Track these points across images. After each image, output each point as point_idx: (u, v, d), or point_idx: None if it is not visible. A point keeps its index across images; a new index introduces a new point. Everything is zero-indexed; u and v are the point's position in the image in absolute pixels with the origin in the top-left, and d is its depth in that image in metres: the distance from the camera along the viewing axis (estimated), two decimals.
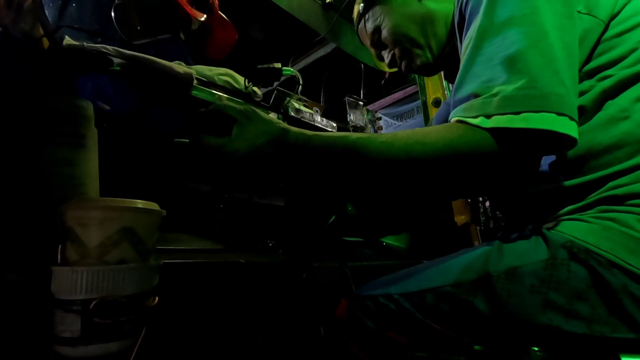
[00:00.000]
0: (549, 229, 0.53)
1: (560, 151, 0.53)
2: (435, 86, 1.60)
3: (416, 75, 1.67)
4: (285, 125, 0.53)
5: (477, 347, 0.53)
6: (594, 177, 0.51)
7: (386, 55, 0.86)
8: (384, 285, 0.61)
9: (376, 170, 0.50)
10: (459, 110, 0.50)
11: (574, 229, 0.50)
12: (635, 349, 0.45)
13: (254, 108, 0.55)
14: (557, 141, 0.46)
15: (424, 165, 0.49)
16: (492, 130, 0.46)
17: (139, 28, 0.78)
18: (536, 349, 0.49)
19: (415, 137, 0.49)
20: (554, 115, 0.44)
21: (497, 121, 0.46)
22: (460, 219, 1.38)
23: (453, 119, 0.51)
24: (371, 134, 0.54)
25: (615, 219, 0.48)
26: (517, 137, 0.46)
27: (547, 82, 0.45)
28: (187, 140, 0.56)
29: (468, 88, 0.50)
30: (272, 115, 1.01)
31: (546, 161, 0.56)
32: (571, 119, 0.45)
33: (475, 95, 0.48)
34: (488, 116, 0.46)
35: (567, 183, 0.54)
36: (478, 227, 1.38)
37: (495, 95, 0.46)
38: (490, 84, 0.48)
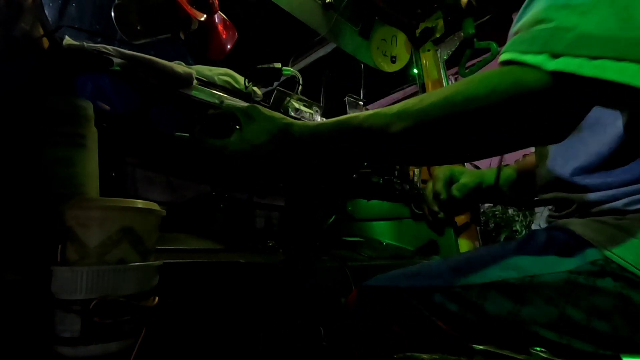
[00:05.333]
0: (582, 234, 0.49)
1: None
2: (435, 86, 1.60)
3: (416, 76, 1.67)
4: (288, 120, 0.51)
5: (477, 347, 0.53)
6: None
7: None
8: (395, 279, 0.60)
9: (391, 144, 0.44)
10: (516, 42, 0.40)
11: (611, 240, 0.45)
12: (637, 350, 0.44)
13: (258, 106, 0.54)
14: (635, 95, 0.36)
15: (442, 136, 0.42)
16: (554, 74, 0.36)
17: (139, 28, 0.78)
18: (538, 349, 0.49)
19: (437, 101, 0.41)
20: (638, 66, 0.35)
21: (563, 63, 0.36)
22: (460, 219, 1.38)
23: (504, 55, 0.41)
24: (378, 109, 0.47)
25: None
26: (584, 87, 0.36)
27: None
28: (188, 135, 0.55)
29: (536, 12, 0.40)
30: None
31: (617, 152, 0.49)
32: None
33: (542, 22, 0.38)
34: (555, 55, 0.36)
35: (617, 180, 0.48)
36: (478, 227, 1.38)
37: (570, 29, 0.36)
38: (568, 9, 0.37)
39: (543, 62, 0.37)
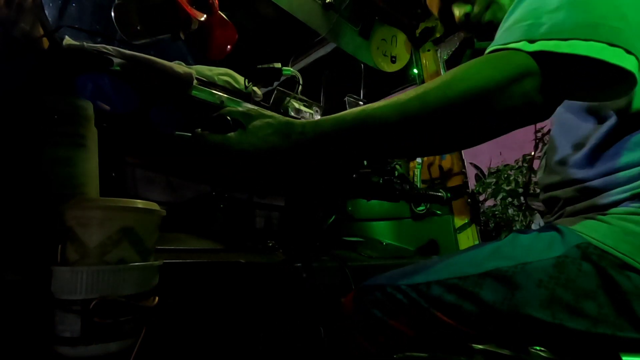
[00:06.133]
0: (567, 226, 0.53)
1: (618, 89, 0.46)
2: None
3: (416, 76, 1.68)
4: (289, 118, 0.52)
5: (477, 347, 0.53)
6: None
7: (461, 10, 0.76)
8: (392, 278, 0.62)
9: (393, 131, 0.46)
10: (499, 38, 0.46)
11: (593, 229, 0.50)
12: (636, 348, 0.45)
13: (257, 107, 0.55)
14: (608, 74, 0.42)
15: (446, 115, 0.44)
16: (534, 54, 0.42)
17: (139, 28, 0.78)
18: (538, 348, 0.49)
19: (430, 87, 0.45)
20: (604, 44, 0.41)
21: (541, 45, 0.42)
22: (460, 219, 1.38)
23: (489, 49, 0.47)
24: (379, 101, 0.50)
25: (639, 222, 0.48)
26: (562, 64, 0.42)
27: (602, 14, 0.42)
28: (189, 134, 0.55)
29: (515, 16, 0.47)
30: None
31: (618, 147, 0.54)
32: (627, 51, 0.41)
33: (519, 22, 0.46)
34: (532, 41, 0.43)
35: (619, 175, 0.52)
36: (478, 227, 1.38)
37: (543, 23, 0.44)
38: (540, 10, 0.45)
39: (523, 47, 0.43)
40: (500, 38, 0.46)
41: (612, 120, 0.53)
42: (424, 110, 0.44)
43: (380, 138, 0.47)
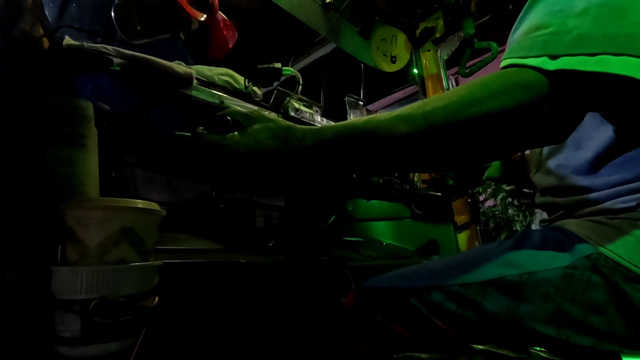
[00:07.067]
0: (576, 233, 0.50)
1: None
2: (435, 86, 1.60)
3: (416, 75, 1.67)
4: (290, 123, 0.51)
5: (477, 347, 0.53)
6: None
7: None
8: (393, 280, 0.60)
9: (395, 147, 0.44)
10: (515, 48, 0.41)
11: (604, 237, 0.47)
12: (636, 348, 0.44)
13: (260, 110, 0.54)
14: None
15: (445, 134, 0.42)
16: (555, 74, 0.37)
17: (139, 28, 0.78)
18: (538, 348, 0.49)
19: (437, 102, 0.42)
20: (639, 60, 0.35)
21: (564, 62, 0.37)
22: (460, 219, 1.38)
23: (504, 62, 0.42)
24: (380, 113, 0.48)
25: None
26: (588, 82, 0.37)
27: (638, 19, 0.36)
28: (189, 134, 0.55)
29: (533, 19, 0.42)
30: (273, 115, 1.01)
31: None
32: None
33: (540, 28, 0.40)
34: (554, 56, 0.37)
35: (615, 179, 0.49)
36: (478, 227, 1.38)
37: (567, 32, 0.38)
38: (564, 13, 0.39)
39: (543, 64, 0.38)
40: (518, 48, 0.41)
41: (622, 126, 0.50)
42: (429, 130, 0.42)
43: (382, 152, 0.46)
